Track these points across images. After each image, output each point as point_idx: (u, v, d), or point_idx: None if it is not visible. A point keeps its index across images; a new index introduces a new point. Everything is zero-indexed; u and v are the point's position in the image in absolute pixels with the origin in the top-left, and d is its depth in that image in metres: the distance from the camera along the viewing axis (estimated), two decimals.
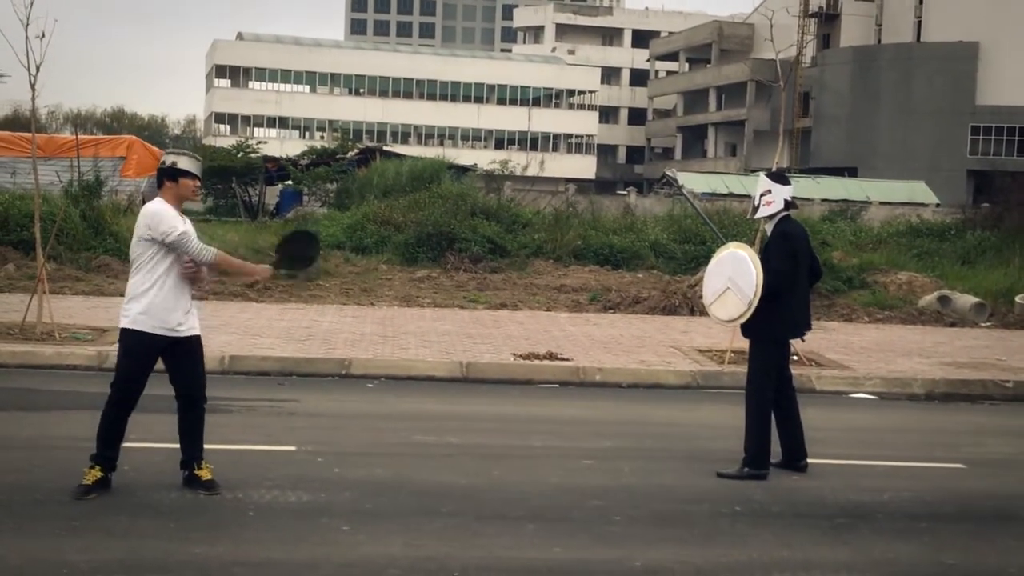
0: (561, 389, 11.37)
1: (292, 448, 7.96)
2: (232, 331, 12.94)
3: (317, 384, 10.92)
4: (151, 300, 6.51)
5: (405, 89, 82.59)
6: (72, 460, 6.80)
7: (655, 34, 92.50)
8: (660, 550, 6.00)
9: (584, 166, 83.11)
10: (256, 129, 76.85)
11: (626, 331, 14.80)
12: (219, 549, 5.67)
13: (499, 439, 8.74)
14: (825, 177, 50.84)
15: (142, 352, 6.56)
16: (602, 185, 72.99)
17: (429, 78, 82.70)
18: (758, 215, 8.07)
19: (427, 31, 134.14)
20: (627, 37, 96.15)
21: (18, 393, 9.84)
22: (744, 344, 8.37)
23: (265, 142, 61.26)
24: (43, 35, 12.02)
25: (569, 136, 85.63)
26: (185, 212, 6.81)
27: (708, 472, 7.71)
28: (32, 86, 12.22)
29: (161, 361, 6.67)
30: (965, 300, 18.13)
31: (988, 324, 17.60)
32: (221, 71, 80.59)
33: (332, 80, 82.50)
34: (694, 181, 47.09)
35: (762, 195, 7.94)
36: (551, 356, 12.23)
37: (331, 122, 78.64)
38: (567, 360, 12.10)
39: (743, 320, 7.79)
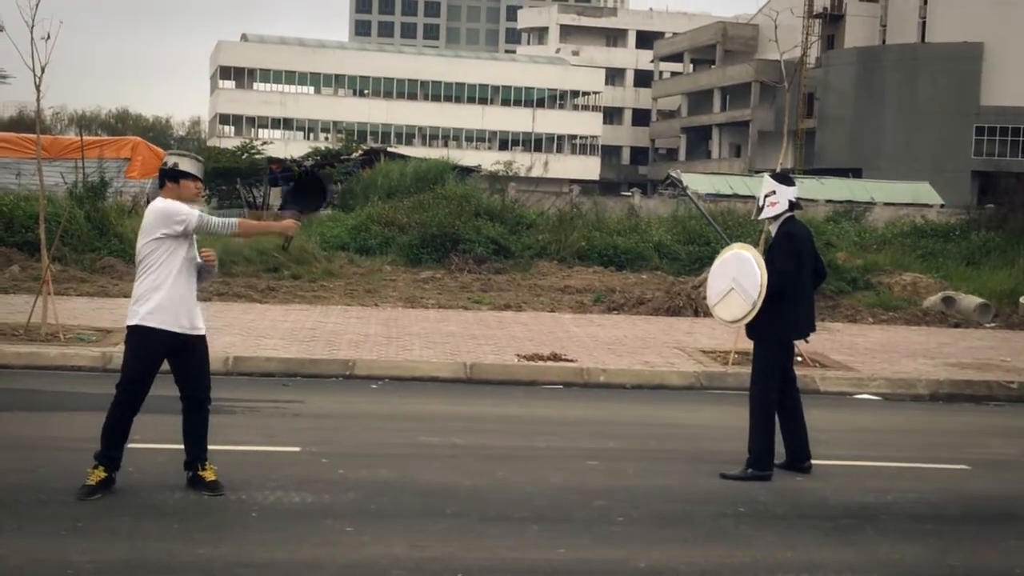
0: (565, 390, 11.37)
1: (296, 449, 7.97)
2: (236, 332, 12.95)
3: (321, 385, 10.92)
4: (162, 298, 6.51)
5: (409, 90, 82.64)
6: (76, 461, 6.81)
7: (659, 35, 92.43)
8: (664, 551, 6.00)
9: (588, 167, 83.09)
10: (260, 130, 76.96)
11: (630, 332, 14.79)
12: (223, 550, 5.67)
13: (503, 440, 8.75)
14: (829, 178, 50.81)
15: (149, 351, 6.56)
16: (606, 186, 72.92)
17: (433, 79, 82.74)
18: (762, 216, 8.07)
19: (431, 32, 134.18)
20: (631, 38, 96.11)
21: (22, 394, 9.86)
22: (748, 345, 8.37)
23: (270, 143, 61.29)
24: (48, 36, 12.04)
25: (573, 137, 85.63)
26: None
27: (712, 473, 7.71)
28: (37, 87, 12.25)
29: (166, 363, 6.68)
30: (969, 301, 18.11)
31: (992, 325, 17.58)
32: (225, 72, 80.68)
33: (336, 81, 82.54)
34: (698, 182, 47.06)
35: (766, 196, 7.94)
36: (555, 357, 12.23)
37: (335, 123, 78.69)
38: (571, 361, 12.10)
39: (747, 321, 7.79)
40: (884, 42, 67.57)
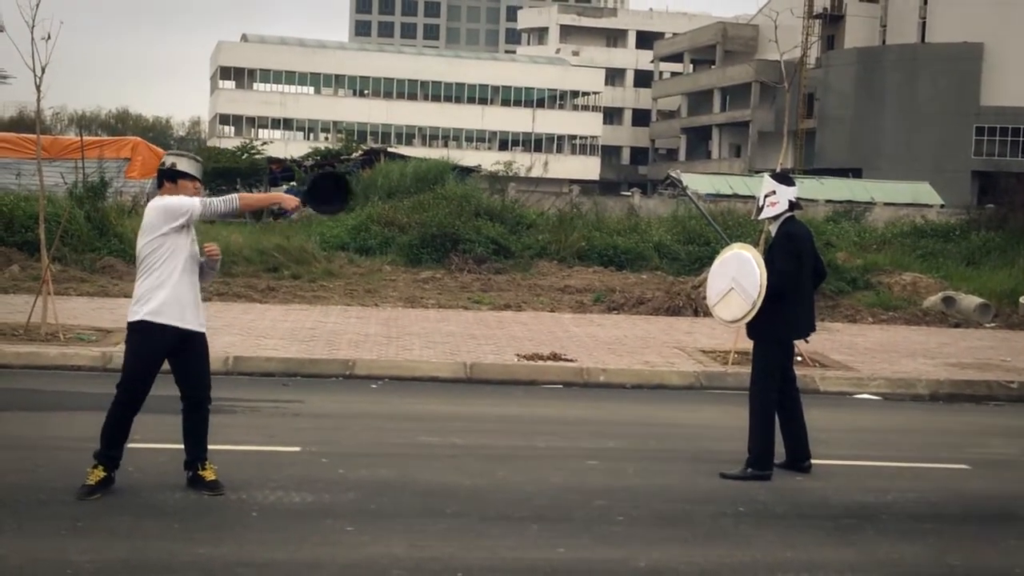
0: (565, 390, 11.37)
1: (296, 449, 7.97)
2: (236, 332, 12.95)
3: (321, 385, 10.92)
4: (166, 295, 6.50)
5: (409, 90, 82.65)
6: (76, 461, 6.81)
7: (659, 35, 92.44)
8: (664, 550, 6.00)
9: (588, 167, 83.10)
10: (260, 130, 77.04)
11: (630, 332, 14.79)
12: (223, 549, 5.67)
13: (503, 440, 8.75)
14: (829, 178, 50.81)
15: (151, 350, 6.55)
16: (606, 186, 72.94)
17: (433, 79, 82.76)
18: (762, 216, 8.08)
19: (431, 32, 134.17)
20: (631, 38, 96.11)
21: (22, 394, 9.86)
22: (748, 345, 8.37)
23: (270, 143, 61.36)
24: (48, 37, 12.05)
25: (573, 137, 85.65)
26: None
27: (712, 473, 7.71)
28: (37, 88, 12.26)
29: (166, 363, 6.68)
30: (969, 301, 18.12)
31: (992, 325, 17.58)
32: (226, 72, 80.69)
33: (336, 81, 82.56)
34: (698, 182, 47.07)
35: (766, 196, 7.94)
36: (555, 357, 12.23)
37: (335, 123, 78.72)
38: (571, 361, 12.10)
39: (747, 321, 7.80)
40: (884, 42, 67.58)
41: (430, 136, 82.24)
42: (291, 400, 9.95)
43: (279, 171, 39.06)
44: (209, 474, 6.68)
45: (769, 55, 64.31)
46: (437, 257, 20.74)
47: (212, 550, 5.64)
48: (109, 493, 6.47)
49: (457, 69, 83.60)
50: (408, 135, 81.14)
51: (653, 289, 18.47)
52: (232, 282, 17.33)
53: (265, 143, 55.09)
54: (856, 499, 7.27)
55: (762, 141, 71.44)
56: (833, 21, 70.61)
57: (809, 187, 41.49)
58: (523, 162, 45.34)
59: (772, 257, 7.81)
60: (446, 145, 73.34)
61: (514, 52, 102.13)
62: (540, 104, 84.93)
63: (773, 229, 8.01)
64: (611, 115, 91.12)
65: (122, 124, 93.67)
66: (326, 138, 75.33)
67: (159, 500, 6.46)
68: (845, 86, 64.94)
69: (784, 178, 8.15)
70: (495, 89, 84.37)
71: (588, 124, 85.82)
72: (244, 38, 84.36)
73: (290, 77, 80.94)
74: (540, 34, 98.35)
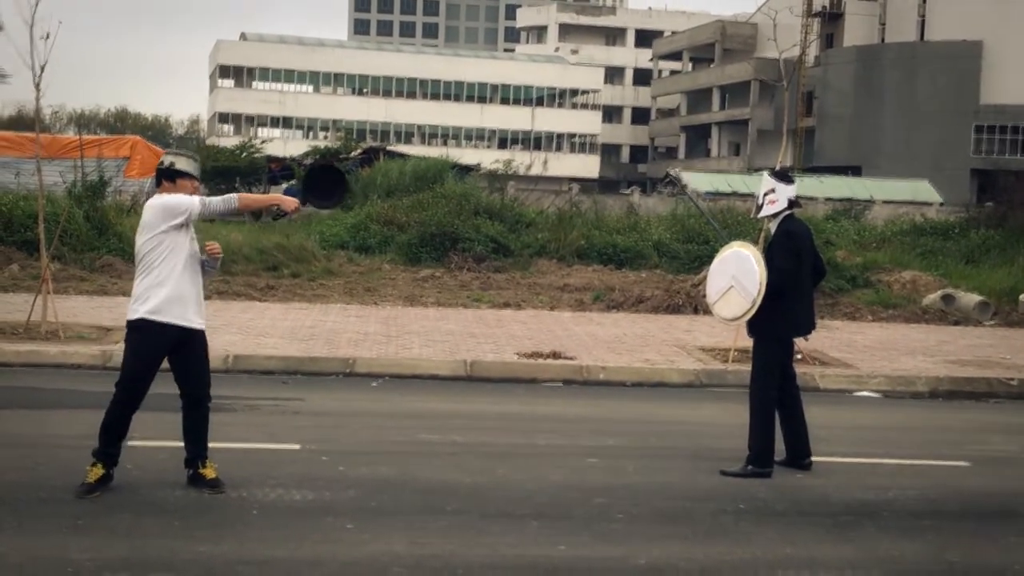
0: (565, 388, 11.37)
1: (296, 446, 7.97)
2: (236, 330, 12.95)
3: (321, 383, 10.93)
4: (167, 294, 6.50)
5: (408, 89, 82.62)
6: (76, 459, 6.80)
7: (658, 34, 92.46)
8: (664, 548, 6.00)
9: (587, 166, 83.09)
10: (260, 129, 76.97)
11: (630, 330, 14.80)
12: (223, 547, 5.67)
13: (503, 437, 8.75)
14: (829, 176, 50.77)
15: (151, 348, 6.55)
16: (606, 185, 72.95)
17: (432, 78, 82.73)
18: (762, 214, 8.08)
19: (430, 31, 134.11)
20: (630, 37, 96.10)
21: (22, 392, 9.87)
22: (748, 343, 8.38)
23: (269, 142, 61.29)
24: (47, 35, 12.05)
25: (572, 136, 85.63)
26: None
27: (712, 470, 7.71)
28: (36, 86, 12.25)
29: (166, 360, 6.68)
30: (969, 299, 18.12)
31: (992, 323, 17.59)
32: (225, 71, 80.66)
33: (336, 80, 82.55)
34: (698, 180, 47.02)
35: (766, 194, 7.95)
36: (555, 355, 12.24)
37: (335, 122, 78.68)
38: (571, 359, 12.10)
39: (747, 318, 7.80)
40: (883, 40, 67.57)
41: (429, 135, 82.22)
42: (291, 398, 9.95)
43: (278, 170, 39.03)
44: (209, 472, 6.68)
45: (768, 53, 64.30)
46: (436, 256, 20.74)
47: (213, 548, 5.64)
48: (109, 491, 6.47)
49: (456, 68, 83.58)
50: (407, 134, 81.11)
51: (652, 287, 18.46)
52: (232, 280, 17.33)
53: (264, 142, 54.97)
54: (856, 496, 7.27)
55: (761, 139, 71.43)
56: (832, 19, 70.62)
57: (808, 185, 41.48)
58: (522, 160, 45.27)
59: (771, 255, 7.81)
60: (445, 144, 73.34)
61: (513, 51, 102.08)
62: (539, 102, 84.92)
63: (772, 227, 8.01)
64: (610, 113, 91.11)
65: (121, 123, 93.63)
66: (325, 137, 75.27)
67: (159, 498, 6.46)
68: (844, 84, 64.93)
69: (783, 176, 8.15)
70: (494, 87, 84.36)
71: (587, 122, 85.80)
72: (243, 37, 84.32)
73: (289, 76, 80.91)
74: (539, 32, 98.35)
